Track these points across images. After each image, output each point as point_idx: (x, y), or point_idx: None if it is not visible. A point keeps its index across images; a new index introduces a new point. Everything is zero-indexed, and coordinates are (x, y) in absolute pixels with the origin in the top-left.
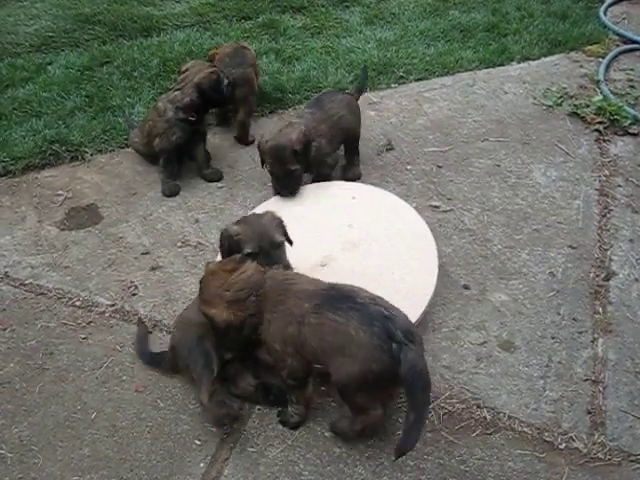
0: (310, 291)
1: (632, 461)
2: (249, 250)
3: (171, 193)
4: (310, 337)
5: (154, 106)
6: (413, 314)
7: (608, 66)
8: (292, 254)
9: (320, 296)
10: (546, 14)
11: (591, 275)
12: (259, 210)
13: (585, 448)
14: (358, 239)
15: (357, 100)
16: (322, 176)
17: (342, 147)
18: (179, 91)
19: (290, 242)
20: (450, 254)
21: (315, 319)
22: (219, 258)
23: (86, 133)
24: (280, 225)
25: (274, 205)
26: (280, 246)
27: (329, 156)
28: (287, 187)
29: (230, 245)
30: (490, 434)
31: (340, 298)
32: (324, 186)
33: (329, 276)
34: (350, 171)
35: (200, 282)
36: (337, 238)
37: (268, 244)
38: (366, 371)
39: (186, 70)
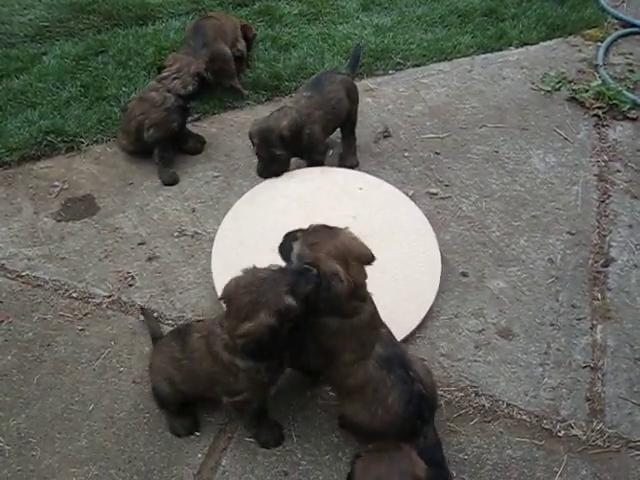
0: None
1: (631, 448)
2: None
3: (172, 181)
4: (358, 375)
5: (141, 98)
6: (417, 316)
7: (607, 50)
8: None
9: (390, 348)
10: None
11: (590, 261)
12: (260, 189)
13: (584, 435)
14: (362, 233)
15: (353, 80)
16: (314, 162)
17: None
18: (177, 80)
19: None
20: (448, 241)
21: (374, 367)
22: (215, 249)
23: (81, 123)
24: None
25: (278, 187)
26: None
27: (321, 142)
28: (270, 170)
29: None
30: (489, 422)
31: (400, 363)
32: (331, 172)
33: None
34: (347, 159)
35: None
36: None
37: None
38: (382, 431)
39: (172, 63)
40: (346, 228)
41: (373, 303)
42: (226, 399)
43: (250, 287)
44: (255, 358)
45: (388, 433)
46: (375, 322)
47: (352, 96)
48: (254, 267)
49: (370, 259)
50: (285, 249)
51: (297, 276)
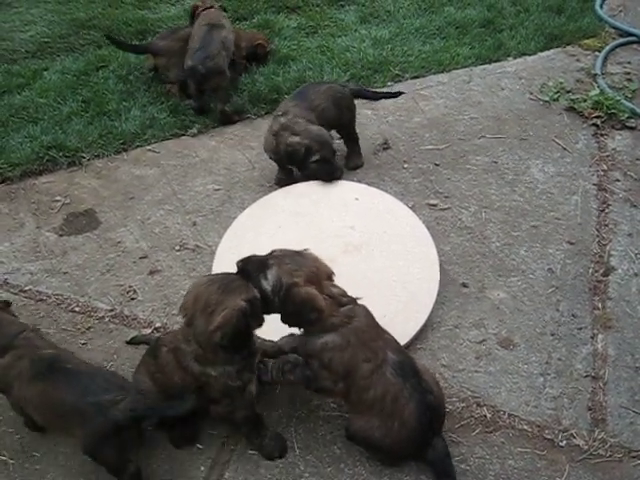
0: (396, 345)
1: (633, 457)
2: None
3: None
4: (378, 386)
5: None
6: (415, 323)
7: (605, 60)
8: None
9: (401, 355)
10: (542, 8)
11: (590, 271)
12: (260, 204)
13: (586, 445)
14: (360, 242)
15: (348, 92)
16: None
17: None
18: None
19: None
20: (448, 252)
21: (392, 374)
22: (215, 267)
23: (83, 138)
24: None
25: (274, 202)
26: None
27: None
28: (339, 167)
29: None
30: (490, 432)
31: (412, 371)
32: (327, 184)
33: None
34: (352, 160)
35: None
36: (339, 240)
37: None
38: (395, 445)
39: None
40: (307, 250)
41: (366, 308)
42: (212, 409)
43: (213, 282)
44: (235, 349)
45: (400, 447)
46: (374, 324)
47: (341, 103)
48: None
49: (332, 274)
50: (253, 276)
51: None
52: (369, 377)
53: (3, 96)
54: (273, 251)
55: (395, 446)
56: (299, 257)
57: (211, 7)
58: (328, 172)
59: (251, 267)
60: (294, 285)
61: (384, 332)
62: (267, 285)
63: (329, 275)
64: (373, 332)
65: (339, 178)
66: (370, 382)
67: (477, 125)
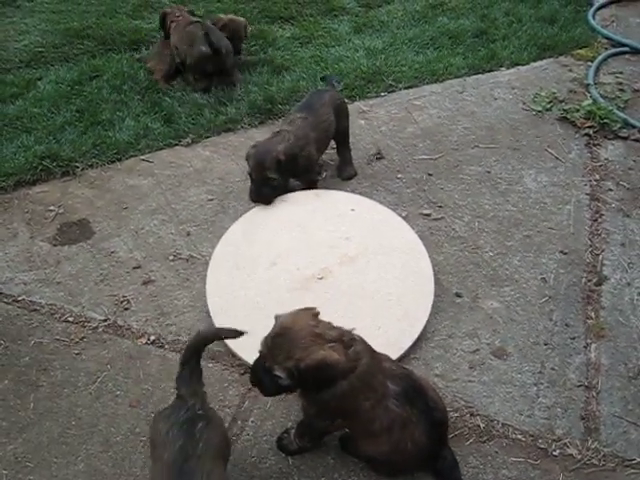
0: (396, 373)
1: (627, 466)
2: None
3: None
4: (383, 419)
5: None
6: (410, 337)
7: (597, 70)
8: (290, 262)
9: (402, 381)
10: (535, 19)
11: (583, 280)
12: (254, 212)
13: (579, 454)
14: (355, 253)
15: (343, 97)
16: (309, 182)
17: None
18: None
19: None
20: (442, 262)
21: (396, 405)
22: (210, 272)
23: (77, 148)
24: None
25: (272, 210)
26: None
27: (316, 163)
28: (262, 195)
29: None
30: (484, 442)
31: (416, 393)
32: (323, 194)
33: (326, 290)
34: (345, 170)
35: None
36: (334, 250)
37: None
38: (406, 462)
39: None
40: (277, 317)
41: (363, 340)
42: None
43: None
44: None
45: (413, 463)
46: (375, 358)
47: (339, 110)
48: None
49: (315, 312)
50: (270, 386)
51: None
52: (371, 411)
53: None
54: (260, 352)
55: (407, 463)
56: (281, 337)
57: (179, 16)
58: (250, 190)
59: (265, 381)
60: (299, 363)
61: (383, 361)
62: (286, 381)
63: (314, 315)
64: (374, 368)
65: (255, 202)
66: (374, 415)
67: (470, 135)
